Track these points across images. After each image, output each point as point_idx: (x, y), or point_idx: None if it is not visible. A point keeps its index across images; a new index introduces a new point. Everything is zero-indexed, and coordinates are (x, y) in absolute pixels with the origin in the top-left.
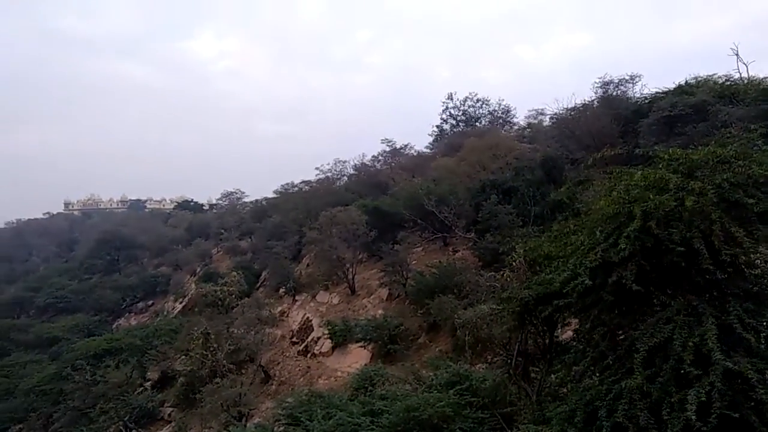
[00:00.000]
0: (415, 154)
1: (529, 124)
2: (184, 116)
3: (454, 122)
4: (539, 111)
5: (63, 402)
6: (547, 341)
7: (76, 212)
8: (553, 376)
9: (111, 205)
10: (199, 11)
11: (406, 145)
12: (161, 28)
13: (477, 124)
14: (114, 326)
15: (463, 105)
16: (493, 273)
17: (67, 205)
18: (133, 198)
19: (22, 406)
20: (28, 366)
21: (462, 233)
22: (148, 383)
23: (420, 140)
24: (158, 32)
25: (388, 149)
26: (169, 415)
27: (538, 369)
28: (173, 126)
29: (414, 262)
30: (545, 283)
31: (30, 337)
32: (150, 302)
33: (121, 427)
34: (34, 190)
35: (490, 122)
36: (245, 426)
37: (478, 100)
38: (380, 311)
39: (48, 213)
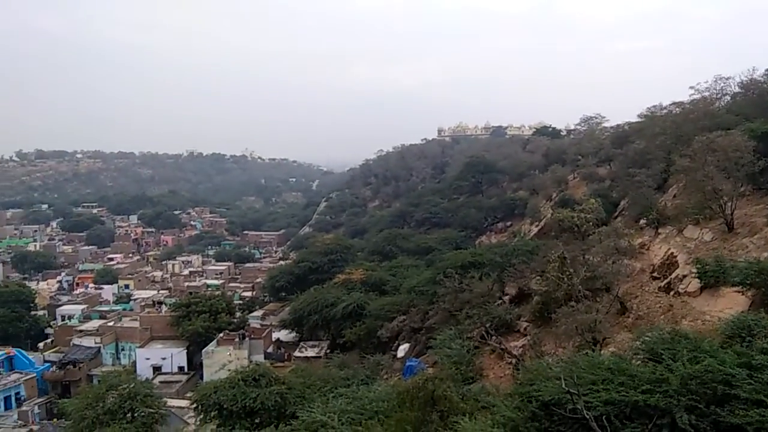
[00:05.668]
0: None
1: None
2: (537, 40)
3: None
4: None
5: (436, 302)
6: None
7: (447, 138)
8: None
9: (476, 131)
10: None
11: None
12: None
13: None
14: (477, 242)
15: None
16: None
17: (439, 131)
18: (495, 125)
19: (405, 301)
20: (409, 269)
21: None
22: (506, 297)
23: None
24: None
25: None
26: (525, 328)
27: None
28: (529, 51)
29: None
30: None
31: (410, 245)
32: (508, 223)
33: (483, 332)
34: (415, 118)
35: None
36: (600, 352)
37: None
38: (765, 254)
39: (424, 139)
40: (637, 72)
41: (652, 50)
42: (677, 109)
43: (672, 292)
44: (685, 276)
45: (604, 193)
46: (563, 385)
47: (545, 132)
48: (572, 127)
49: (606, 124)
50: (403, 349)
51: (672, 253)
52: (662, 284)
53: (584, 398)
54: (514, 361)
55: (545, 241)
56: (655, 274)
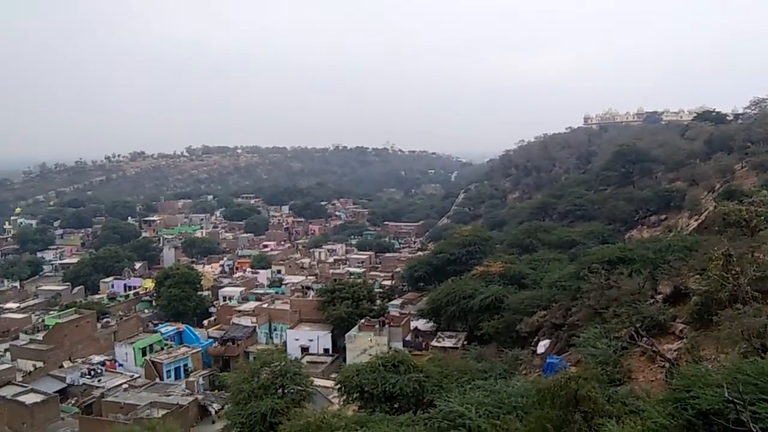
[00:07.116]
0: None
1: None
2: (694, 17)
3: None
4: None
5: (579, 299)
6: None
7: (594, 126)
8: None
9: (627, 118)
10: None
11: None
12: None
13: None
14: (626, 236)
15: None
16: None
17: (586, 119)
18: (649, 110)
19: (546, 296)
20: (551, 263)
21: None
22: (659, 296)
23: None
24: None
25: None
26: (681, 331)
27: None
28: (685, 31)
29: None
30: None
31: (552, 238)
32: (663, 216)
33: (632, 332)
34: (559, 106)
35: None
36: None
37: None
38: None
39: (569, 127)
40: None
41: None
42: None
43: None
44: None
45: None
46: (725, 394)
47: (708, 117)
48: (740, 111)
49: None
50: (543, 345)
51: None
52: None
53: (750, 408)
54: (667, 365)
55: (706, 236)
56: None
